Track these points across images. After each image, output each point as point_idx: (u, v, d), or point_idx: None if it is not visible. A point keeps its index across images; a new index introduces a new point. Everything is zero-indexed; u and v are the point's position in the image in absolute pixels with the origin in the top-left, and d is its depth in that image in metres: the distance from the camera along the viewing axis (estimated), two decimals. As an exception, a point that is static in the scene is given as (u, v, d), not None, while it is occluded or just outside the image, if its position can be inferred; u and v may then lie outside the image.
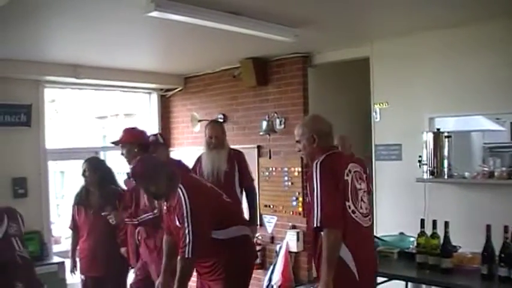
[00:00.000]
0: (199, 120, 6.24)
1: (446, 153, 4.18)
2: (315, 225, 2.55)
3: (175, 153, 5.97)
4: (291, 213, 5.44)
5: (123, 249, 4.21)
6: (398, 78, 4.69)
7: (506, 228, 2.90)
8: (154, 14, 3.37)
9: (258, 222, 5.56)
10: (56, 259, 5.42)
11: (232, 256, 3.06)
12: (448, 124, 4.61)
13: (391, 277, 3.31)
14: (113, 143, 4.11)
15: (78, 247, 4.45)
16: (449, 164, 4.17)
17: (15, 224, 3.25)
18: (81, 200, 4.43)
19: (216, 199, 3.15)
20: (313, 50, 5.33)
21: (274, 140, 5.57)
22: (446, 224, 3.13)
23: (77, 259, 4.46)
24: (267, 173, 5.70)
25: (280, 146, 5.54)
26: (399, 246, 3.62)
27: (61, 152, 6.08)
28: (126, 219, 3.93)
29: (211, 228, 2.97)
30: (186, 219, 2.86)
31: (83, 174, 4.39)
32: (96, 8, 3.51)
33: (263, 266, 5.55)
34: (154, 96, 6.97)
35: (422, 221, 3.30)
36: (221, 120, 6.07)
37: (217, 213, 3.02)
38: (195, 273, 3.21)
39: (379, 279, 3.29)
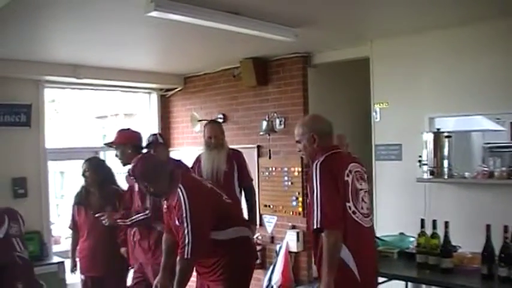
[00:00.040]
0: (199, 120, 6.25)
1: (446, 153, 4.18)
2: (315, 227, 2.53)
3: (175, 153, 5.97)
4: (291, 213, 5.44)
5: (123, 249, 4.21)
6: (398, 78, 4.69)
7: (506, 228, 2.90)
8: (154, 14, 3.37)
9: (258, 222, 5.56)
10: (55, 259, 5.42)
11: (233, 257, 3.06)
12: (448, 124, 4.61)
13: (391, 277, 3.31)
14: (106, 144, 4.11)
15: (78, 247, 4.46)
16: (449, 164, 4.17)
17: (16, 224, 3.25)
18: (81, 200, 4.43)
19: (216, 200, 3.14)
20: (313, 50, 5.33)
21: (274, 140, 5.57)
22: (446, 224, 3.12)
23: (77, 259, 4.46)
24: (266, 173, 5.70)
25: (280, 146, 5.54)
26: (399, 246, 3.62)
27: (61, 152, 6.09)
28: (118, 220, 3.92)
29: (211, 229, 2.97)
30: (185, 220, 2.86)
31: (83, 174, 4.39)
32: (96, 8, 3.51)
33: (263, 266, 5.55)
34: (154, 96, 6.97)
35: (422, 221, 3.30)
36: (221, 120, 6.07)
37: (217, 214, 3.02)
38: (194, 273, 3.21)
39: (379, 279, 3.28)
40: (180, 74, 6.66)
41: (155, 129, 6.71)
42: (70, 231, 4.62)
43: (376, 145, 4.84)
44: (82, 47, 4.75)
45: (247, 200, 4.48)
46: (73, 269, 4.53)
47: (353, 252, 2.55)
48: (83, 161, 4.48)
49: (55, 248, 5.86)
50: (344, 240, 2.52)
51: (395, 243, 3.67)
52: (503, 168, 3.93)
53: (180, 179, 3.02)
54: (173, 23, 3.68)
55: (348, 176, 2.62)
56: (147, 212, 3.75)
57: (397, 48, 4.69)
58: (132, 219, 3.83)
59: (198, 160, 4.41)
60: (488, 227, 2.97)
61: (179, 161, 4.21)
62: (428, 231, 3.24)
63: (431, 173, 4.20)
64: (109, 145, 4.06)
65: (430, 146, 4.20)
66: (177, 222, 2.96)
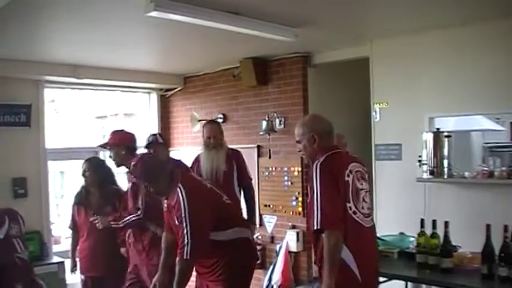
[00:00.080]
0: (199, 120, 6.25)
1: (446, 153, 4.18)
2: (315, 227, 2.52)
3: (175, 153, 5.97)
4: (291, 213, 5.44)
5: (123, 249, 4.21)
6: (398, 78, 4.69)
7: (506, 228, 2.90)
8: (154, 13, 3.37)
9: (258, 222, 5.57)
10: (55, 259, 5.43)
11: (232, 257, 3.05)
12: (448, 124, 4.61)
13: (391, 277, 3.30)
14: (100, 146, 4.12)
15: (78, 247, 4.46)
16: (449, 164, 4.17)
17: (17, 225, 3.26)
18: (81, 200, 4.43)
19: (216, 200, 3.13)
20: (313, 50, 5.33)
21: (274, 139, 5.57)
22: (446, 223, 3.12)
23: (77, 259, 4.46)
24: (266, 173, 5.70)
25: (280, 146, 5.54)
26: (399, 246, 3.62)
27: (61, 152, 6.09)
28: (112, 223, 3.92)
29: (210, 230, 2.96)
30: (184, 220, 2.85)
31: (83, 174, 4.39)
32: (96, 8, 3.51)
33: (263, 266, 5.54)
34: (154, 96, 6.97)
35: (422, 220, 3.30)
36: (221, 120, 6.07)
37: (216, 214, 3.01)
38: (194, 273, 3.21)
39: (379, 279, 3.29)
40: (180, 74, 6.66)
41: (155, 129, 6.71)
42: (70, 231, 4.62)
43: (376, 145, 4.84)
44: (82, 47, 4.75)
45: (246, 200, 4.48)
46: (73, 269, 4.53)
47: (354, 252, 2.54)
48: (83, 161, 4.48)
49: (55, 248, 5.86)
50: (344, 241, 2.51)
51: (395, 243, 3.67)
52: (503, 168, 3.93)
53: (179, 178, 3.01)
54: (173, 23, 3.68)
55: (348, 176, 2.61)
56: (139, 212, 3.75)
57: (397, 48, 4.69)
58: (124, 221, 3.82)
59: (197, 160, 4.41)
60: (488, 226, 2.98)
61: (179, 161, 4.21)
62: (428, 231, 3.24)
63: (431, 172, 4.20)
64: (103, 146, 4.07)
65: (430, 145, 4.20)
66: (176, 222, 2.96)
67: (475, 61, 4.18)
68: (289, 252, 5.33)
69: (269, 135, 5.56)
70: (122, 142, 3.98)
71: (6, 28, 3.91)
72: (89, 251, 4.33)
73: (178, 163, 4.09)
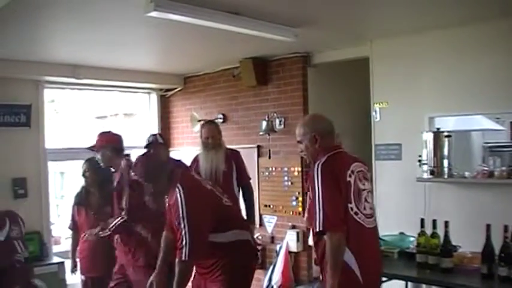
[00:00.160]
0: (199, 120, 6.24)
1: (446, 152, 4.18)
2: (317, 229, 2.50)
3: (175, 153, 5.97)
4: (291, 213, 5.44)
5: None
6: (398, 78, 4.70)
7: (506, 228, 2.90)
8: (154, 14, 3.37)
9: (258, 222, 5.57)
10: (55, 259, 5.43)
11: (232, 258, 3.04)
12: (448, 124, 4.61)
13: (391, 277, 3.30)
14: (88, 148, 4.12)
15: (78, 247, 4.46)
16: (449, 164, 4.17)
17: (17, 227, 3.27)
18: (81, 200, 4.43)
19: (216, 202, 3.10)
20: (313, 50, 5.33)
21: (274, 139, 5.57)
22: (446, 223, 3.12)
23: (77, 259, 4.46)
24: (266, 173, 5.70)
25: (280, 146, 5.54)
26: (399, 246, 3.62)
27: (61, 152, 6.08)
28: (100, 233, 3.90)
29: (209, 231, 2.95)
30: (182, 220, 2.84)
31: (83, 175, 4.39)
32: (96, 8, 3.51)
33: (263, 266, 5.54)
34: (154, 96, 6.97)
35: (422, 220, 3.30)
36: (220, 120, 6.08)
37: (215, 216, 2.99)
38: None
39: (379, 279, 3.28)
40: (179, 74, 6.66)
41: (155, 130, 6.72)
42: (70, 232, 4.61)
43: (376, 145, 4.84)
44: (82, 47, 4.75)
45: (245, 200, 4.48)
46: (73, 270, 4.53)
47: (355, 253, 2.51)
48: (83, 161, 4.48)
49: (55, 249, 5.86)
50: (346, 242, 2.49)
51: (395, 243, 3.67)
52: (503, 168, 3.93)
53: (179, 178, 3.01)
54: (173, 23, 3.68)
55: (350, 176, 2.58)
56: (123, 213, 3.74)
57: (397, 48, 4.69)
58: (111, 227, 3.80)
59: (195, 160, 4.41)
60: (488, 226, 2.98)
61: (179, 160, 4.21)
62: (428, 230, 3.24)
63: (431, 172, 4.20)
64: (91, 149, 4.08)
65: (430, 145, 4.20)
66: (176, 222, 2.95)
67: (475, 61, 4.19)
68: (289, 252, 5.34)
69: (269, 135, 5.56)
70: (108, 143, 3.98)
71: (6, 28, 3.91)
72: (89, 252, 4.33)
73: (179, 163, 4.08)
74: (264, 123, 5.52)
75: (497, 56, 4.06)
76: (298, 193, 5.35)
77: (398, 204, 4.59)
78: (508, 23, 3.98)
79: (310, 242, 4.95)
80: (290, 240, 5.33)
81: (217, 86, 6.26)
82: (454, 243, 3.19)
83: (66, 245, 5.77)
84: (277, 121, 5.51)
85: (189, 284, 3.08)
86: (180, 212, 2.85)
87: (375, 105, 4.84)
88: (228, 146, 4.56)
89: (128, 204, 3.70)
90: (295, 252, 5.37)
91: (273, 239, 5.67)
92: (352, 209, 2.55)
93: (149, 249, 3.71)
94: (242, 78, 5.74)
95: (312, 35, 4.54)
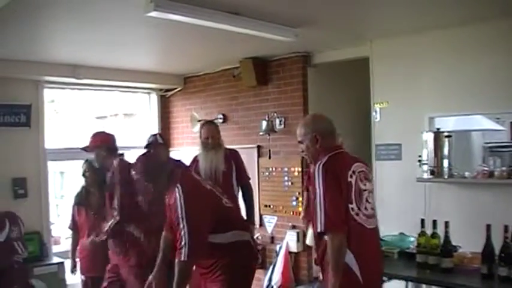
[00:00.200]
0: (199, 120, 6.24)
1: (446, 152, 4.18)
2: (318, 230, 2.49)
3: (175, 154, 5.97)
4: (291, 213, 5.44)
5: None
6: (398, 78, 4.70)
7: (506, 228, 2.90)
8: (154, 14, 3.37)
9: (258, 222, 5.57)
10: (55, 259, 5.43)
11: (232, 258, 3.03)
12: (448, 124, 4.61)
13: (391, 277, 3.30)
14: (82, 148, 4.12)
15: (78, 247, 4.45)
16: (449, 164, 4.17)
17: (16, 228, 3.27)
18: (81, 200, 4.42)
19: (215, 203, 3.09)
20: (313, 50, 5.33)
21: (274, 140, 5.57)
22: (447, 223, 3.12)
23: (77, 259, 4.46)
24: (267, 173, 5.70)
25: (280, 146, 5.54)
26: (399, 246, 3.62)
27: (61, 152, 6.08)
28: (95, 239, 3.89)
29: (209, 232, 2.94)
30: (181, 221, 2.83)
31: (83, 175, 4.38)
32: (96, 8, 3.51)
33: (263, 266, 5.54)
34: (154, 96, 6.97)
35: (423, 220, 3.30)
36: (220, 120, 6.08)
37: (215, 216, 2.98)
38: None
39: (379, 279, 3.28)
40: (179, 74, 6.66)
41: (155, 130, 6.72)
42: (70, 232, 4.61)
43: (376, 145, 4.84)
44: (82, 47, 4.75)
45: (244, 199, 4.47)
46: (73, 270, 4.52)
47: (355, 254, 2.50)
48: (83, 161, 4.47)
49: (55, 249, 5.86)
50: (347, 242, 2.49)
51: (395, 243, 3.67)
52: (503, 168, 3.94)
53: (179, 178, 3.00)
54: (173, 23, 3.68)
55: (351, 176, 2.57)
56: (115, 214, 3.74)
57: (397, 48, 4.69)
58: (105, 231, 3.79)
59: (195, 160, 4.40)
60: (488, 226, 2.97)
61: (179, 160, 4.20)
62: (429, 231, 3.24)
63: (432, 172, 4.20)
64: (84, 149, 4.07)
65: (430, 145, 4.20)
66: (175, 222, 2.94)
67: (475, 61, 4.19)
68: (289, 252, 5.34)
69: (269, 135, 5.55)
70: (102, 143, 3.99)
71: (6, 28, 3.91)
72: (89, 252, 4.32)
73: (179, 163, 4.08)
74: (264, 123, 5.52)
75: (497, 56, 4.06)
76: (298, 193, 5.34)
77: (398, 205, 4.58)
78: (508, 23, 3.98)
79: (308, 242, 4.97)
80: (290, 241, 5.33)
81: (217, 86, 6.26)
82: (454, 243, 3.19)
83: (66, 245, 5.77)
84: (277, 121, 5.51)
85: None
86: (179, 212, 2.84)
87: (375, 105, 4.84)
88: (228, 146, 4.55)
89: (120, 203, 3.70)
90: (295, 252, 5.37)
91: (273, 239, 5.67)
92: (353, 209, 2.54)
93: (141, 250, 3.72)
94: (242, 78, 5.74)
95: (312, 35, 4.54)
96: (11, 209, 3.83)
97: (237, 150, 4.60)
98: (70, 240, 4.65)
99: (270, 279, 5.29)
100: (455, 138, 4.26)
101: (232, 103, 6.08)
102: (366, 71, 4.92)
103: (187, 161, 4.38)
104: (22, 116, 5.43)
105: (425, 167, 4.24)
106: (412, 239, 3.62)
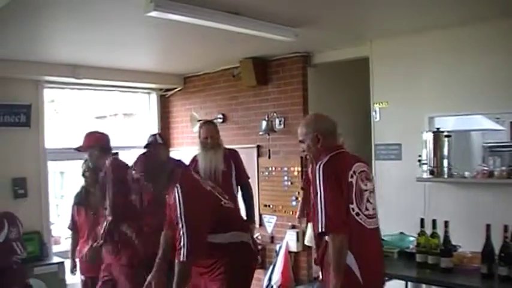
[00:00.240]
0: (199, 120, 6.24)
1: (446, 152, 4.18)
2: (319, 230, 2.49)
3: (174, 153, 5.96)
4: (291, 213, 5.44)
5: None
6: (398, 78, 4.70)
7: (506, 228, 2.90)
8: (154, 13, 3.37)
9: (258, 222, 5.57)
10: (55, 259, 5.43)
11: (232, 258, 3.03)
12: (447, 123, 4.61)
13: (391, 277, 3.30)
14: (75, 149, 4.12)
15: (78, 247, 4.45)
16: (449, 164, 4.17)
17: (15, 228, 3.28)
18: (81, 200, 4.42)
19: (214, 203, 3.08)
20: (313, 50, 5.33)
21: (274, 139, 5.57)
22: (446, 223, 3.12)
23: (77, 259, 4.46)
24: (266, 173, 5.70)
25: (280, 146, 5.54)
26: (399, 246, 3.62)
27: (61, 152, 6.08)
28: (93, 245, 3.88)
29: (208, 232, 2.94)
30: (180, 220, 2.83)
31: (83, 175, 4.38)
32: (96, 8, 3.51)
33: (263, 266, 5.54)
34: (154, 96, 6.97)
35: (422, 220, 3.30)
36: (220, 120, 6.08)
37: (214, 217, 2.98)
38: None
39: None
40: (179, 74, 6.66)
41: (155, 130, 6.72)
42: (70, 232, 4.61)
43: (375, 145, 4.85)
44: (82, 47, 4.75)
45: (244, 199, 4.48)
46: (73, 270, 4.52)
47: (355, 254, 2.50)
48: (82, 161, 4.47)
49: (55, 248, 5.86)
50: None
51: (395, 243, 3.67)
52: (503, 168, 3.94)
53: (179, 178, 3.00)
54: (173, 23, 3.69)
55: (351, 177, 2.57)
56: (108, 214, 3.74)
57: (397, 48, 4.69)
58: (102, 234, 3.78)
59: (194, 160, 4.40)
60: (488, 226, 2.98)
61: (179, 160, 4.21)
62: (428, 230, 3.24)
63: (431, 172, 4.20)
64: (78, 149, 4.07)
65: (430, 145, 4.21)
66: (175, 221, 2.94)
67: (474, 61, 4.19)
68: (289, 252, 5.34)
69: (269, 135, 5.56)
70: (95, 143, 3.98)
71: (6, 28, 3.91)
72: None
73: (179, 162, 4.08)
74: (264, 123, 5.52)
75: (497, 56, 4.06)
76: (298, 193, 5.33)
77: (398, 204, 4.58)
78: (507, 23, 3.98)
79: (307, 242, 4.97)
80: (290, 240, 5.33)
81: (217, 86, 6.26)
82: (454, 243, 3.19)
83: (66, 244, 5.77)
84: (277, 121, 5.51)
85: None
86: (178, 212, 2.84)
87: (375, 105, 4.84)
88: (228, 146, 4.56)
89: (113, 203, 3.70)
90: (295, 252, 5.37)
91: (272, 239, 5.67)
92: (353, 209, 2.54)
93: (133, 249, 3.74)
94: (242, 78, 5.74)
95: (312, 35, 4.54)
96: (11, 208, 3.84)
97: (237, 150, 4.60)
98: (70, 240, 4.65)
99: (270, 279, 5.30)
100: (455, 138, 4.26)
101: (232, 103, 6.08)
102: (366, 71, 4.92)
103: (186, 161, 4.38)
104: (22, 116, 5.43)
105: (425, 167, 4.24)
106: (411, 238, 3.62)
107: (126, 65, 5.86)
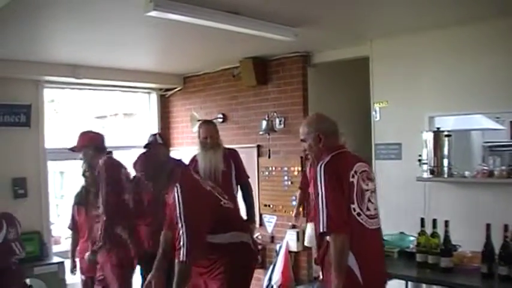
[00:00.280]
0: (199, 120, 6.23)
1: (446, 152, 4.18)
2: (321, 230, 2.48)
3: (174, 153, 5.96)
4: (291, 212, 5.43)
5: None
6: (398, 78, 4.70)
7: (506, 227, 2.90)
8: (153, 13, 3.37)
9: (258, 222, 5.57)
10: (55, 259, 5.43)
11: (232, 258, 3.04)
12: (447, 123, 4.61)
13: (391, 277, 3.30)
14: (70, 149, 4.12)
15: (78, 247, 4.45)
16: (449, 163, 4.17)
17: (13, 229, 3.29)
18: (81, 200, 4.43)
19: (214, 203, 3.08)
20: (313, 49, 5.33)
21: (274, 139, 5.57)
22: (446, 223, 3.12)
23: (77, 259, 4.46)
24: (266, 173, 5.70)
25: (280, 146, 5.54)
26: (399, 246, 3.62)
27: (61, 152, 6.06)
28: (94, 249, 3.88)
29: (207, 232, 2.94)
30: (179, 220, 2.83)
31: (83, 174, 4.38)
32: (96, 8, 3.51)
33: (263, 266, 5.55)
34: (154, 96, 6.97)
35: (422, 220, 3.30)
36: (220, 120, 6.08)
37: (214, 217, 2.98)
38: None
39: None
40: (179, 74, 6.66)
41: (155, 129, 6.72)
42: (70, 232, 4.61)
43: (375, 144, 4.85)
44: (82, 47, 4.75)
45: (244, 198, 4.47)
46: (73, 270, 4.52)
47: (356, 254, 2.49)
48: (82, 161, 4.47)
49: (55, 248, 5.86)
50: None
51: (395, 243, 3.67)
52: (503, 167, 3.94)
53: (179, 177, 3.00)
54: (172, 22, 3.68)
55: (353, 176, 2.57)
56: (101, 213, 3.74)
57: (397, 48, 4.69)
58: (100, 235, 3.78)
59: (193, 160, 4.40)
60: (488, 226, 2.97)
61: (180, 160, 4.21)
62: (429, 230, 3.24)
63: (431, 172, 4.20)
64: (72, 149, 4.08)
65: (430, 145, 4.21)
66: (174, 221, 2.94)
67: (474, 60, 4.19)
68: (289, 251, 5.33)
69: (269, 135, 5.56)
70: (90, 143, 3.99)
71: (6, 28, 3.91)
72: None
73: (179, 162, 4.09)
74: (264, 123, 5.52)
75: (496, 55, 4.06)
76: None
77: (398, 204, 4.58)
78: (507, 23, 3.98)
79: (307, 243, 4.97)
80: (290, 240, 5.33)
81: (217, 85, 6.26)
82: (454, 242, 3.19)
83: (66, 244, 5.77)
84: (277, 121, 5.51)
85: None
86: (178, 211, 2.84)
87: (375, 104, 4.84)
88: (228, 146, 4.56)
89: (106, 201, 3.71)
90: (295, 252, 5.37)
91: (273, 239, 5.67)
92: (354, 209, 2.53)
93: (124, 249, 3.76)
94: (242, 78, 5.74)
95: (312, 35, 4.54)
96: (11, 208, 3.84)
97: (236, 149, 4.60)
98: (70, 240, 4.65)
99: (270, 279, 5.30)
100: (455, 138, 4.26)
101: (232, 103, 6.08)
102: (366, 70, 4.92)
103: (186, 161, 4.38)
104: (22, 116, 5.43)
105: (425, 167, 4.24)
106: (412, 238, 3.61)
107: (126, 65, 5.85)
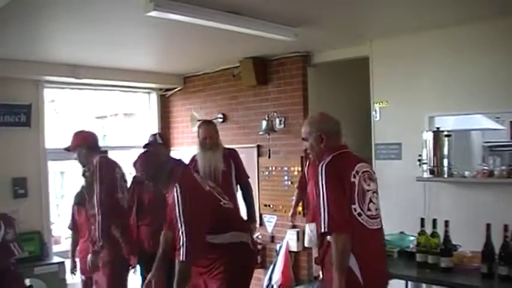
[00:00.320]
0: (199, 120, 6.23)
1: (446, 152, 4.18)
2: (322, 230, 2.48)
3: (174, 153, 5.97)
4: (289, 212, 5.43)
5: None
6: (398, 77, 4.70)
7: (506, 227, 2.90)
8: (154, 13, 3.37)
9: (258, 222, 5.56)
10: (56, 259, 5.43)
11: (231, 258, 3.04)
12: (447, 123, 4.61)
13: (391, 276, 3.30)
14: (64, 149, 4.13)
15: (78, 247, 4.45)
16: (449, 163, 4.17)
17: (11, 229, 3.29)
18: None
19: (213, 203, 3.08)
20: (313, 49, 5.33)
21: (274, 139, 5.57)
22: (446, 223, 3.12)
23: (77, 259, 4.46)
24: (266, 173, 5.70)
25: (280, 146, 5.54)
26: (399, 246, 3.62)
27: (61, 152, 6.04)
28: (94, 249, 3.87)
29: (207, 232, 2.94)
30: (179, 220, 2.83)
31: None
32: (96, 8, 3.51)
33: (263, 266, 5.55)
34: (154, 96, 6.97)
35: (422, 220, 3.30)
36: (220, 120, 6.08)
37: (213, 217, 2.98)
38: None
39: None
40: (179, 74, 6.66)
41: (155, 129, 6.72)
42: (70, 232, 4.61)
43: (376, 144, 4.85)
44: (82, 47, 4.76)
45: (244, 198, 4.48)
46: (73, 270, 4.52)
47: (356, 255, 2.49)
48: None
49: (55, 248, 5.87)
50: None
51: (395, 243, 3.67)
52: (503, 167, 3.94)
53: (178, 177, 3.00)
54: (172, 22, 3.69)
55: (354, 177, 2.56)
56: (96, 213, 3.74)
57: (397, 48, 4.69)
58: (98, 235, 3.76)
59: (193, 160, 4.40)
60: (488, 226, 2.97)
61: (180, 160, 4.21)
62: (429, 230, 3.24)
63: (431, 172, 4.20)
64: (67, 149, 4.08)
65: (430, 145, 4.21)
66: (174, 221, 2.94)
67: (474, 60, 4.19)
68: (290, 251, 5.34)
69: (269, 134, 5.56)
70: (83, 142, 3.99)
71: (6, 28, 3.91)
72: (89, 252, 4.32)
73: (179, 162, 4.08)
74: (264, 123, 5.52)
75: (496, 55, 4.06)
76: (298, 193, 5.34)
77: (398, 204, 4.58)
78: (506, 22, 3.98)
79: (306, 243, 4.96)
80: (290, 240, 5.34)
81: (217, 85, 6.26)
82: (454, 242, 3.19)
83: (66, 244, 5.77)
84: (277, 121, 5.51)
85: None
86: (177, 211, 2.85)
87: (375, 104, 4.84)
88: (228, 146, 4.56)
89: (99, 200, 3.72)
90: (295, 252, 5.37)
91: (273, 239, 5.67)
92: (355, 210, 2.53)
93: (116, 247, 3.78)
94: (242, 77, 5.74)
95: (312, 35, 4.54)
96: (11, 209, 3.84)
97: (236, 149, 4.60)
98: (70, 240, 4.65)
99: (270, 279, 5.30)
100: (455, 138, 4.26)
101: (232, 103, 6.08)
102: (366, 70, 4.92)
103: (186, 161, 4.38)
104: (22, 115, 5.43)
105: (425, 167, 4.24)
106: (412, 238, 3.61)
107: (126, 65, 5.86)
